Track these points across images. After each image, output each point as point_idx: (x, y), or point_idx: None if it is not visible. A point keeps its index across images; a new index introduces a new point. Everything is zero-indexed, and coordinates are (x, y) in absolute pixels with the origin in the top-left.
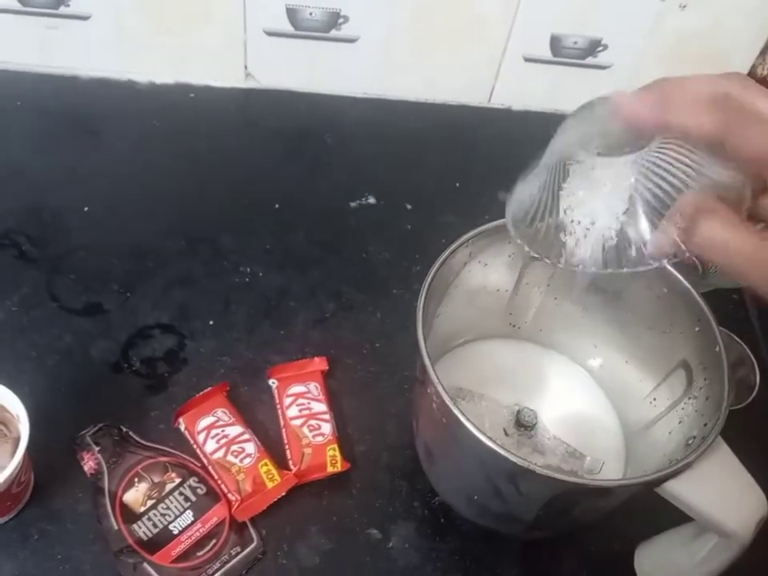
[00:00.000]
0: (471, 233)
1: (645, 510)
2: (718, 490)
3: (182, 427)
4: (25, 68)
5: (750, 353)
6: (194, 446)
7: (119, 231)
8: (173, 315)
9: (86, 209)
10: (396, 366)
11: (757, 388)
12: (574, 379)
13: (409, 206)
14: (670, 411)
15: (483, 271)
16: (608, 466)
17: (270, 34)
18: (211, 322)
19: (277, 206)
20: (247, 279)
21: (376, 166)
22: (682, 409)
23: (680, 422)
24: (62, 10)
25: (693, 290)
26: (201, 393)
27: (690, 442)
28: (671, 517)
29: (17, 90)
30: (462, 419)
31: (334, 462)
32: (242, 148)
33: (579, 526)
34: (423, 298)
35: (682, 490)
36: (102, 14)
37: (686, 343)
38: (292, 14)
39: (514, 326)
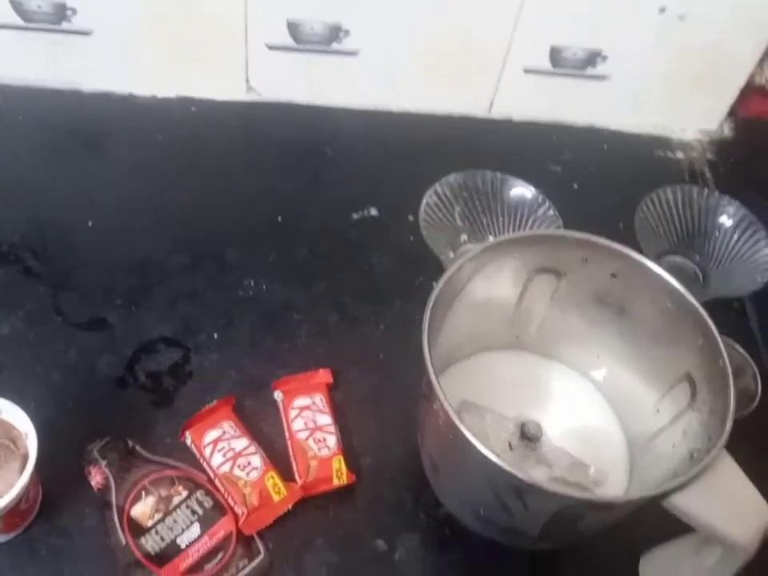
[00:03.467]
0: (477, 248)
1: (649, 519)
2: (722, 503)
3: (189, 441)
4: (27, 83)
5: (751, 362)
6: (201, 460)
7: (123, 246)
8: (177, 329)
9: (90, 223)
10: (400, 378)
11: (758, 397)
12: (578, 391)
13: (411, 218)
14: (673, 423)
15: (487, 285)
16: (612, 477)
17: (271, 47)
18: (216, 336)
19: (280, 218)
20: (251, 293)
21: (377, 178)
22: (687, 421)
23: (684, 435)
24: (65, 25)
25: (697, 305)
26: (207, 406)
27: (695, 455)
28: (676, 526)
29: (20, 104)
30: (469, 436)
31: (339, 474)
32: (244, 161)
33: (584, 538)
34: (428, 315)
35: (687, 503)
36: (104, 30)
37: (689, 356)
38: (293, 27)
39: (518, 337)
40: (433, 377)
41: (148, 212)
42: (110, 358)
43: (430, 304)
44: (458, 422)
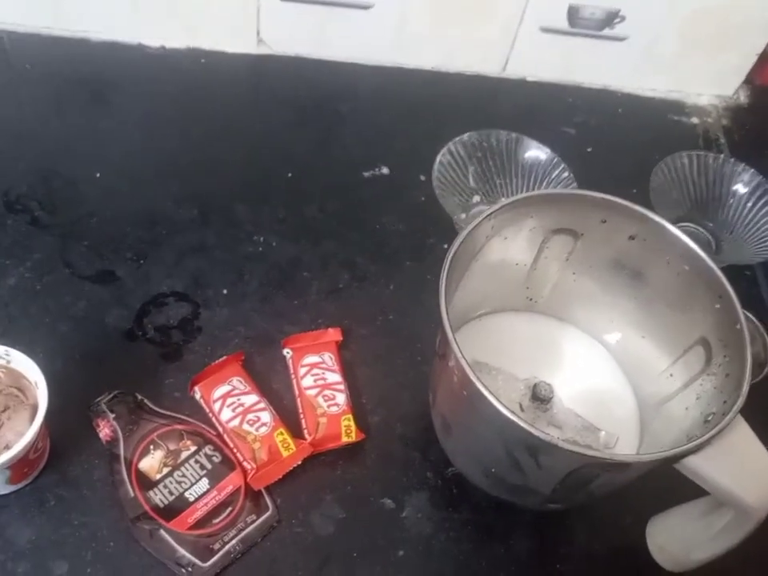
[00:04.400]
0: (494, 207)
1: (658, 482)
2: (736, 466)
3: (198, 395)
4: (34, 30)
5: (762, 329)
6: (210, 415)
7: (131, 198)
8: (186, 284)
9: (97, 175)
10: (409, 338)
11: None
12: (590, 353)
13: (422, 177)
14: (687, 387)
15: (504, 245)
16: (623, 440)
17: None
18: (225, 291)
19: (290, 174)
20: (260, 249)
21: (389, 136)
22: (700, 385)
23: (698, 398)
24: None
25: (715, 268)
26: (216, 361)
27: (710, 418)
28: (684, 490)
29: (27, 52)
30: (485, 393)
31: (348, 431)
32: (254, 115)
33: (594, 499)
34: (445, 274)
35: (701, 466)
36: None
37: (705, 320)
38: None
39: (531, 299)
40: (450, 334)
41: (156, 164)
42: (118, 310)
43: (447, 262)
44: (474, 379)
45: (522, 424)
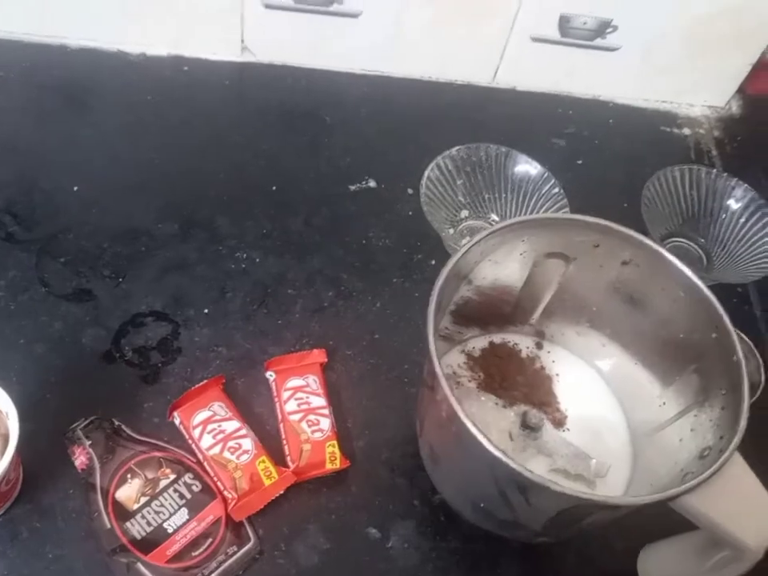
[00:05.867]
0: (485, 232)
1: (650, 513)
2: (733, 505)
3: (177, 421)
4: (11, 36)
5: (755, 350)
6: (189, 441)
7: (110, 212)
8: (166, 302)
9: (75, 188)
10: (396, 358)
11: (762, 386)
12: (581, 378)
13: (410, 191)
14: (680, 417)
15: (494, 268)
16: (614, 469)
17: (268, 6)
18: (206, 310)
19: (274, 187)
20: (243, 265)
21: (376, 148)
22: (695, 416)
23: (692, 431)
24: None
25: (712, 297)
26: (196, 385)
27: (706, 453)
28: (677, 522)
29: (4, 58)
30: (474, 431)
31: (333, 458)
32: (237, 125)
33: (586, 533)
34: (433, 305)
35: (697, 505)
36: None
37: (701, 349)
38: None
39: (521, 322)
40: (438, 368)
41: (136, 176)
42: (95, 331)
43: (435, 292)
44: (463, 417)
45: (512, 465)
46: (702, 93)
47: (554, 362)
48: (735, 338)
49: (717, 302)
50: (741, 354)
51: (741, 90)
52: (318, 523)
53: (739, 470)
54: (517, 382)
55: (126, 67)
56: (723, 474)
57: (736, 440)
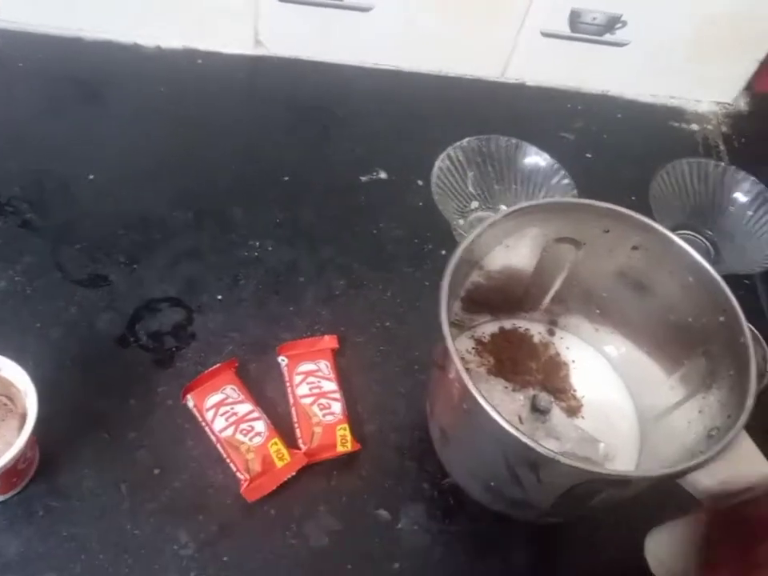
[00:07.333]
0: (497, 216)
1: (658, 493)
2: (739, 482)
3: (191, 404)
4: (27, 28)
5: (762, 339)
6: (203, 423)
7: (125, 201)
8: (180, 288)
9: (90, 176)
10: (406, 345)
11: None
12: (590, 363)
13: (420, 182)
14: (688, 400)
15: (505, 253)
16: (622, 452)
17: (282, 0)
18: (219, 297)
19: (286, 178)
20: (256, 254)
21: (386, 140)
22: (703, 398)
23: (700, 412)
24: None
25: (720, 280)
26: (209, 369)
27: (713, 433)
28: (684, 503)
29: (20, 50)
30: (487, 407)
31: (344, 441)
32: (250, 117)
33: (594, 512)
34: (446, 284)
35: (705, 482)
36: None
37: (709, 332)
38: None
39: (531, 308)
40: (451, 347)
41: (150, 166)
42: (110, 316)
43: (449, 272)
44: (475, 393)
45: (524, 439)
46: (710, 89)
47: (567, 348)
48: (743, 319)
49: (725, 285)
50: (749, 335)
51: (749, 88)
52: (328, 505)
53: (745, 448)
54: (529, 368)
55: (141, 60)
56: (730, 452)
57: (743, 417)
